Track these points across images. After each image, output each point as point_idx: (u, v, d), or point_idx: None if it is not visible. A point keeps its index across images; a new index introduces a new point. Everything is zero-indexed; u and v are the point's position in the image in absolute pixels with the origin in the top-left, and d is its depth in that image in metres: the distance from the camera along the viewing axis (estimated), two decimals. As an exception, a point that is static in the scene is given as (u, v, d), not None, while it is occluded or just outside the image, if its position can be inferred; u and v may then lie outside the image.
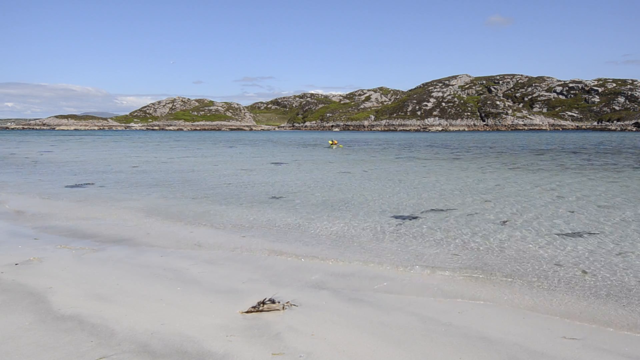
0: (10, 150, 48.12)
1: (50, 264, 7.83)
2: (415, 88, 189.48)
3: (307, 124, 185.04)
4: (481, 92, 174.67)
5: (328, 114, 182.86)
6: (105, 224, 11.53)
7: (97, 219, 12.12)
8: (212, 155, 40.59)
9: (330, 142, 55.90)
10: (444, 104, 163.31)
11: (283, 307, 5.95)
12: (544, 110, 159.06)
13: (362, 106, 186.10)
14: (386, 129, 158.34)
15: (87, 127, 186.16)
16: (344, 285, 7.04)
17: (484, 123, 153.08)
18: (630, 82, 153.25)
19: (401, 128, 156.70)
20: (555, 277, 7.58)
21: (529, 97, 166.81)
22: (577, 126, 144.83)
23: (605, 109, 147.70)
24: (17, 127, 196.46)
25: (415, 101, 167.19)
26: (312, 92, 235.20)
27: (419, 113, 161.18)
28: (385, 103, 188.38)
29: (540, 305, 6.35)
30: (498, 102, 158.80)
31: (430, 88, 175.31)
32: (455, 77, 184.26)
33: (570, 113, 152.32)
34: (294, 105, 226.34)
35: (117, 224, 11.49)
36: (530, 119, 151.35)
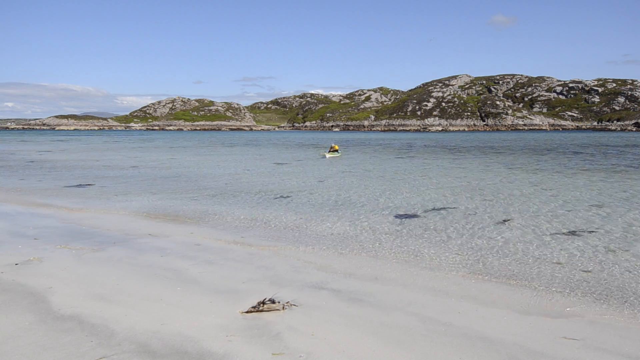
0: (10, 150, 48.12)
1: (50, 264, 7.83)
2: (415, 88, 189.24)
3: (307, 124, 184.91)
4: (481, 92, 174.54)
5: (328, 114, 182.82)
6: (105, 224, 11.52)
7: (97, 219, 12.12)
8: (212, 156, 40.59)
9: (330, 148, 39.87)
10: (444, 104, 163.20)
11: (283, 307, 5.95)
12: (544, 110, 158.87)
13: (362, 106, 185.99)
14: (386, 129, 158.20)
15: (87, 127, 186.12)
16: (344, 285, 7.04)
17: (484, 123, 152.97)
18: (630, 82, 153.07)
19: (401, 128, 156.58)
20: (555, 277, 7.57)
21: (529, 97, 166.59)
22: (577, 126, 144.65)
23: (605, 109, 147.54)
24: (17, 127, 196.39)
25: (415, 101, 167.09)
26: (312, 92, 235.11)
27: (419, 113, 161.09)
28: (385, 103, 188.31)
29: (540, 305, 6.34)
30: (498, 102, 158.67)
31: (430, 88, 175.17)
32: (455, 77, 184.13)
33: (570, 113, 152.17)
34: (294, 105, 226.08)
35: (117, 224, 11.48)
36: (530, 119, 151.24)
